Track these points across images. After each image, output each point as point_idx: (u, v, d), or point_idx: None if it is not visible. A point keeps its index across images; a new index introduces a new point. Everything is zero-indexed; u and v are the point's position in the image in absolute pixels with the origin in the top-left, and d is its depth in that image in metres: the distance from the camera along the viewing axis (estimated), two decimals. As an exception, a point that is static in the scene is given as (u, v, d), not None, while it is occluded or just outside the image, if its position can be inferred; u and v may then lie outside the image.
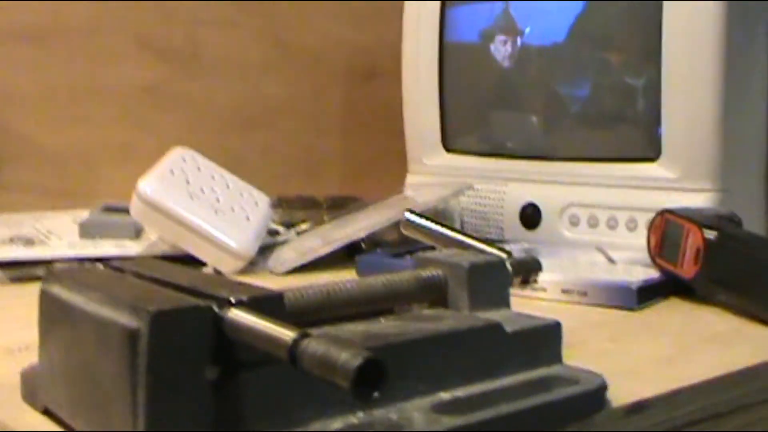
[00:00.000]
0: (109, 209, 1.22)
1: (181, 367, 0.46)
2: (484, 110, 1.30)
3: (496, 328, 0.59)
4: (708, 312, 0.88)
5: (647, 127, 1.11)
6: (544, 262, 0.96)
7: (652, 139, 1.09)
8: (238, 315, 0.46)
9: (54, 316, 0.55)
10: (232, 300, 0.47)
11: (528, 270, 0.69)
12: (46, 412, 0.57)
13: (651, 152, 1.09)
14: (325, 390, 0.50)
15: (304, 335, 0.41)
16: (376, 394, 0.39)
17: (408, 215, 0.74)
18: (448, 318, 0.61)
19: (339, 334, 0.55)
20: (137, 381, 0.46)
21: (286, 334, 0.42)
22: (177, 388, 0.46)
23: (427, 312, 0.63)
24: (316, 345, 0.40)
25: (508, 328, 0.59)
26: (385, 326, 0.58)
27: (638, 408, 0.61)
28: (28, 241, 1.11)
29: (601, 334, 0.80)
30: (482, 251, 0.70)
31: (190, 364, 0.46)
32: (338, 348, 0.39)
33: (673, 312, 0.89)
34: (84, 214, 1.21)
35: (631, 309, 0.88)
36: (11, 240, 1.11)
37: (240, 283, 0.52)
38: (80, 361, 0.51)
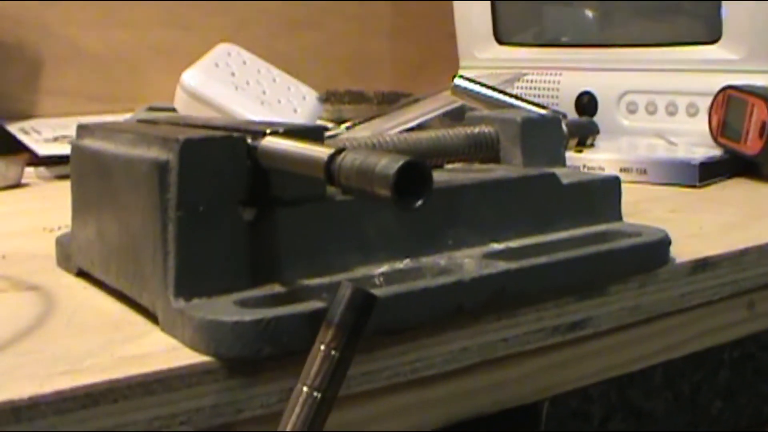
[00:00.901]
0: (154, 109, 1.19)
1: (213, 202, 0.43)
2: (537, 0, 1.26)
3: (550, 178, 0.55)
4: (774, 189, 0.85)
5: (707, 8, 1.06)
6: (602, 145, 0.93)
7: (712, 21, 1.04)
8: (272, 142, 0.43)
9: (85, 168, 0.53)
10: (267, 131, 0.44)
11: (584, 131, 0.66)
12: (80, 274, 0.55)
13: (712, 35, 1.04)
14: (369, 235, 0.48)
15: (341, 150, 0.38)
16: (420, 201, 0.36)
17: (458, 81, 0.70)
18: (499, 170, 0.57)
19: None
20: (168, 217, 0.43)
21: (322, 151, 0.39)
22: (209, 225, 0.43)
23: (478, 166, 0.60)
24: (353, 156, 0.37)
25: (564, 180, 0.56)
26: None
27: (704, 265, 0.57)
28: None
29: (663, 206, 0.76)
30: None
31: (224, 200, 0.44)
32: (376, 156, 0.36)
33: (737, 189, 0.85)
34: (129, 117, 1.18)
35: (693, 186, 0.85)
36: (56, 139, 1.09)
37: (282, 124, 0.49)
38: (111, 212, 0.49)
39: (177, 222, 0.42)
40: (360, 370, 0.44)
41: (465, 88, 0.70)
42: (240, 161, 0.44)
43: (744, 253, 0.60)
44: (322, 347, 0.37)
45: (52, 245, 0.59)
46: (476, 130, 0.60)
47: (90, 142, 0.52)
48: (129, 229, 0.46)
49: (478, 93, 0.70)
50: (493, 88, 0.70)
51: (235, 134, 0.44)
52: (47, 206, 0.84)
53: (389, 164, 0.35)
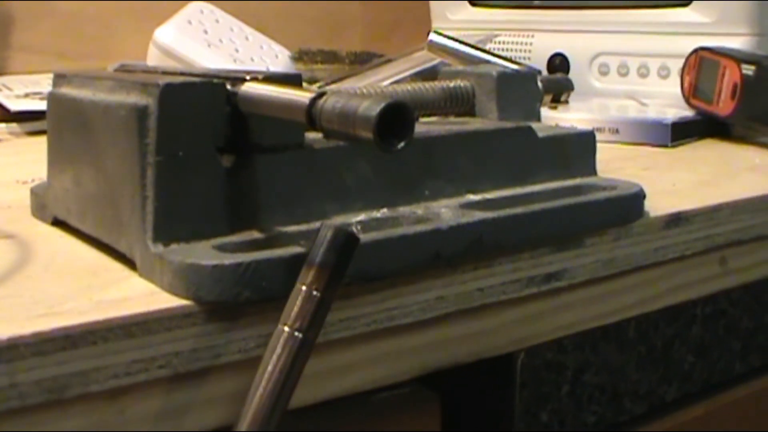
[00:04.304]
0: (126, 67, 1.18)
1: (192, 148, 0.43)
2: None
3: (526, 130, 0.56)
4: (746, 149, 0.85)
5: (679, -29, 1.06)
6: (573, 105, 0.94)
7: (684, -17, 1.05)
8: (252, 87, 0.43)
9: (62, 116, 0.52)
10: (247, 77, 0.44)
11: (559, 87, 0.66)
12: (56, 223, 0.54)
13: (683, -4, 1.05)
14: (347, 183, 0.48)
15: (322, 93, 0.38)
16: (402, 143, 0.36)
17: (433, 36, 0.70)
18: (475, 122, 0.58)
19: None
20: (146, 163, 0.43)
21: (303, 95, 0.39)
22: (188, 170, 0.43)
23: (454, 119, 0.60)
24: (334, 99, 0.37)
25: (540, 134, 0.56)
26: (410, 126, 0.55)
27: (678, 219, 0.58)
28: (44, 97, 1.08)
29: (636, 164, 0.77)
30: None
31: (203, 146, 0.44)
32: (359, 99, 0.36)
33: (709, 149, 0.86)
34: (100, 73, 1.18)
35: (664, 146, 0.85)
36: (26, 95, 1.08)
37: (261, 72, 0.48)
38: (89, 159, 0.49)
39: (156, 167, 0.42)
40: (337, 317, 0.44)
41: (441, 44, 0.70)
42: (219, 107, 0.44)
43: (717, 209, 0.60)
44: (303, 288, 0.37)
45: (26, 197, 0.59)
46: (452, 84, 0.60)
47: (67, 90, 0.52)
48: (107, 176, 0.46)
49: (453, 49, 0.70)
50: (469, 44, 0.70)
51: (215, 80, 0.44)
52: (20, 160, 0.84)
53: (371, 106, 0.35)
